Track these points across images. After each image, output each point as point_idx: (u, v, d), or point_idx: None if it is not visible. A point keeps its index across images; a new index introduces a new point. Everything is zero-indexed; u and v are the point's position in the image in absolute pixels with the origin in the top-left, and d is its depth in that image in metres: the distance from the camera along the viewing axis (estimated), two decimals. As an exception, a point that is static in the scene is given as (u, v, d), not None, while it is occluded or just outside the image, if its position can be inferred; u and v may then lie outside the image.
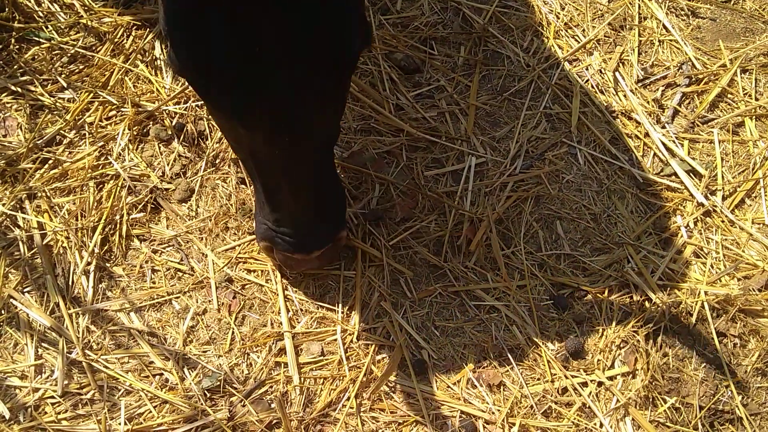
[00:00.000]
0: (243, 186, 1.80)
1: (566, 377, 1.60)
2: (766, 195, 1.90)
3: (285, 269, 1.65)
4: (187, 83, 1.89)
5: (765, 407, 1.61)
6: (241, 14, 1.07)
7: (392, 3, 2.20)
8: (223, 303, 1.64)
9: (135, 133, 1.82)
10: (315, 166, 1.42)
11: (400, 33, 2.13)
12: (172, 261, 1.68)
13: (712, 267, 1.77)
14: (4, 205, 1.68)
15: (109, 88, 1.88)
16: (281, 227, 1.50)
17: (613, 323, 1.67)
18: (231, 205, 1.76)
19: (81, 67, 1.92)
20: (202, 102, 1.38)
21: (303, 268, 1.60)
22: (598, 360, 1.63)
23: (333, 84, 1.27)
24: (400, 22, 2.17)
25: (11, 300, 1.58)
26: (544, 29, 2.18)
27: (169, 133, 1.83)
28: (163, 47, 1.99)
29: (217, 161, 1.82)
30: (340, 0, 1.16)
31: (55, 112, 1.82)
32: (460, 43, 2.14)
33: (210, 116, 1.82)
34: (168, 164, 1.79)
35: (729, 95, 2.08)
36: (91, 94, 1.86)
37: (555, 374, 1.61)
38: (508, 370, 1.61)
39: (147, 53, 1.97)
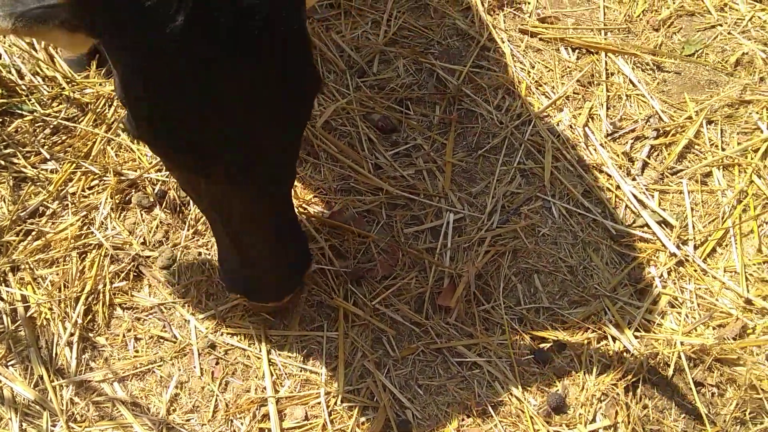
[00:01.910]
0: (225, 250, 1.83)
1: (549, 432, 1.62)
2: (736, 244, 1.95)
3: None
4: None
5: (746, 455, 1.63)
6: (203, 74, 1.10)
7: (369, 66, 2.27)
8: (206, 369, 1.65)
9: (117, 201, 1.85)
10: (280, 212, 1.45)
11: (376, 94, 2.20)
12: (154, 329, 1.69)
13: (687, 316, 1.81)
14: (-13, 277, 1.70)
15: (91, 158, 1.91)
16: (251, 276, 1.52)
17: (593, 376, 1.70)
18: (213, 271, 1.79)
19: (64, 138, 1.95)
20: (162, 162, 1.41)
21: (273, 311, 1.65)
22: (580, 414, 1.65)
23: (295, 132, 1.32)
24: (377, 84, 2.24)
25: (-6, 374, 1.59)
26: (516, 87, 2.25)
27: (151, 200, 1.87)
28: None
29: (200, 227, 1.85)
30: (299, 52, 1.21)
31: (38, 184, 1.85)
32: (435, 102, 2.21)
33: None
34: (150, 231, 1.82)
35: (696, 146, 2.15)
36: (74, 165, 1.89)
37: (538, 430, 1.63)
38: (491, 427, 1.63)
39: (124, 125, 2.01)
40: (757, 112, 2.22)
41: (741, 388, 1.68)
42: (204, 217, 1.88)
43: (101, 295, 1.69)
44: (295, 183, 1.98)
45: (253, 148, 1.23)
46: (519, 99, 2.23)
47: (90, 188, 1.87)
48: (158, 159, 1.93)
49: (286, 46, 1.17)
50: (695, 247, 1.94)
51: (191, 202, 1.89)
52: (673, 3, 2.50)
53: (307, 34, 1.26)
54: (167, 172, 1.92)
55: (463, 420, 1.63)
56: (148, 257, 1.78)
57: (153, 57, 1.07)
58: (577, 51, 2.38)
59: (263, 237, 1.44)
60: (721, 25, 2.45)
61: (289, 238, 1.52)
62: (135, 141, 1.96)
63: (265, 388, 1.63)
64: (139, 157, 1.94)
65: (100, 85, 2.07)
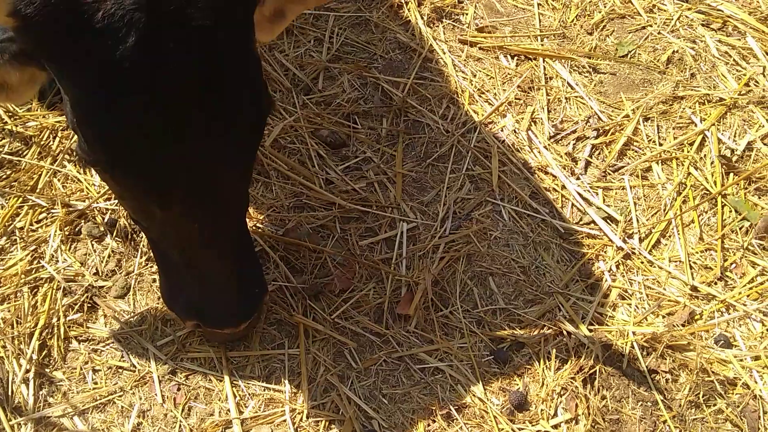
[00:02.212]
0: (180, 275, 1.82)
1: (513, 430, 1.65)
2: (679, 234, 2.03)
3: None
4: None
5: (702, 437, 1.69)
6: (159, 98, 1.12)
7: (314, 83, 2.30)
8: (167, 396, 1.64)
9: (67, 233, 1.83)
10: (236, 236, 1.46)
11: (323, 111, 2.22)
12: (112, 359, 1.67)
13: (637, 307, 1.87)
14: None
15: (38, 191, 1.88)
16: (206, 302, 1.50)
17: (552, 371, 1.74)
18: (170, 295, 1.78)
19: (8, 172, 1.92)
20: (116, 191, 1.40)
21: (230, 340, 1.64)
22: (542, 410, 1.69)
23: (249, 154, 1.35)
24: (323, 100, 2.26)
25: (-53, 418, 1.54)
26: (459, 96, 2.30)
27: (102, 229, 1.85)
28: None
29: (151, 254, 1.84)
30: (251, 76, 1.24)
31: (-17, 220, 1.82)
32: (381, 115, 2.24)
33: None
34: (102, 261, 1.80)
35: (635, 143, 2.23)
36: (20, 199, 1.86)
37: (502, 429, 1.66)
38: (457, 430, 1.65)
39: (74, 153, 2.00)
40: (689, 107, 2.31)
41: (693, 373, 1.75)
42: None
43: (55, 329, 1.67)
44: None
45: (207, 171, 1.24)
46: (463, 107, 2.28)
47: (38, 222, 1.84)
48: (107, 188, 1.92)
49: (238, 70, 1.20)
50: (640, 240, 2.01)
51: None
52: (605, 7, 2.60)
53: (258, 58, 1.28)
54: (116, 201, 1.90)
55: (428, 425, 1.65)
56: (102, 287, 1.76)
57: (104, 79, 1.08)
58: (515, 58, 2.45)
59: (219, 262, 1.43)
60: (651, 26, 2.55)
61: (244, 263, 1.51)
62: (84, 170, 1.94)
63: (229, 410, 1.62)
64: (86, 187, 1.92)
65: (44, 117, 2.05)
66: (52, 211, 1.86)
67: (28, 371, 1.61)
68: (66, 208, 1.85)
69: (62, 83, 1.14)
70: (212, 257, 1.42)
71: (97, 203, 1.88)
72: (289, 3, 1.42)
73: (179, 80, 1.11)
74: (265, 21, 1.41)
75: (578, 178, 2.14)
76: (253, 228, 1.93)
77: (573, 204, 2.08)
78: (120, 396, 1.62)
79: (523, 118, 2.26)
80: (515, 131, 2.23)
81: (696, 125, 2.27)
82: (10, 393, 1.58)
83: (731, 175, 2.15)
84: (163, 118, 1.13)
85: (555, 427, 1.66)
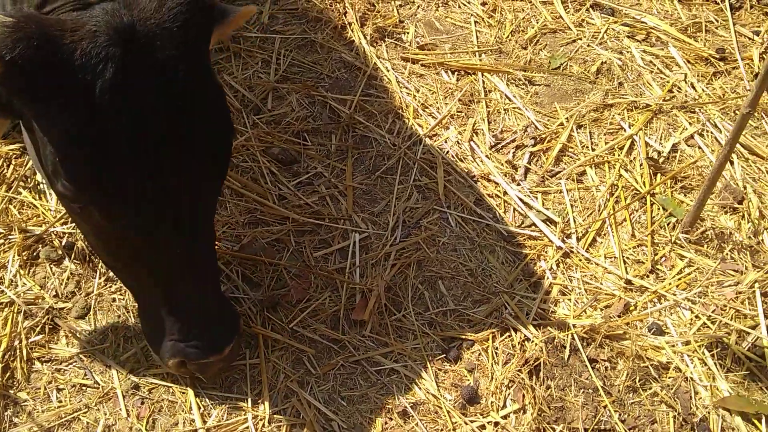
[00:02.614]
0: (140, 293, 1.88)
1: (466, 423, 1.75)
2: (613, 232, 2.17)
3: (202, 378, 1.70)
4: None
5: (640, 420, 1.82)
6: (140, 126, 1.20)
7: (263, 103, 2.38)
8: (131, 410, 1.68)
9: (25, 258, 1.87)
10: (210, 259, 1.52)
11: (274, 129, 2.31)
12: (76, 378, 1.71)
13: (577, 302, 2.00)
14: None
15: (-7, 218, 1.92)
16: (188, 335, 1.52)
17: (500, 366, 1.85)
18: (129, 315, 1.83)
19: (-38, 200, 1.95)
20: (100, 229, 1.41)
21: (218, 368, 1.62)
22: (492, 402, 1.79)
23: (219, 180, 1.42)
24: (273, 119, 2.35)
25: None
26: (404, 111, 2.42)
27: (60, 253, 1.89)
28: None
29: (111, 274, 1.89)
30: (216, 102, 1.34)
31: (-60, 249, 1.84)
32: (330, 132, 2.34)
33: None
34: (62, 284, 1.84)
35: (570, 149, 2.38)
36: (-24, 226, 1.89)
37: (456, 422, 1.75)
38: (413, 426, 1.74)
39: (29, 179, 2.04)
40: (619, 114, 2.47)
41: (629, 360, 1.87)
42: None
43: (18, 351, 1.70)
44: (203, 221, 2.06)
45: (187, 197, 1.32)
46: (408, 121, 2.39)
47: (-5, 248, 1.87)
48: (63, 212, 1.96)
49: (205, 98, 1.29)
50: (578, 239, 2.14)
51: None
52: (537, 23, 2.76)
53: (220, 85, 1.38)
54: (73, 224, 1.95)
55: (386, 423, 1.74)
56: (62, 309, 1.81)
57: (87, 114, 1.16)
58: (456, 73, 2.58)
59: (199, 289, 1.49)
60: (580, 39, 2.72)
61: (217, 289, 1.58)
62: (39, 195, 1.98)
63: (193, 420, 1.68)
64: (43, 213, 1.96)
65: (-5, 145, 2.08)
66: (9, 237, 1.89)
67: (-8, 394, 1.65)
68: (23, 234, 1.89)
69: (41, 124, 1.20)
70: (193, 283, 1.46)
71: (54, 227, 1.93)
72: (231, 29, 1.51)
73: (157, 108, 1.21)
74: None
75: (519, 184, 2.26)
76: (210, 245, 2.00)
77: (515, 208, 2.20)
78: (85, 413, 1.66)
79: (465, 130, 2.38)
80: (458, 142, 2.35)
81: (625, 130, 2.42)
82: (-26, 416, 1.61)
83: (658, 175, 2.31)
84: (144, 146, 1.21)
85: (504, 417, 1.76)
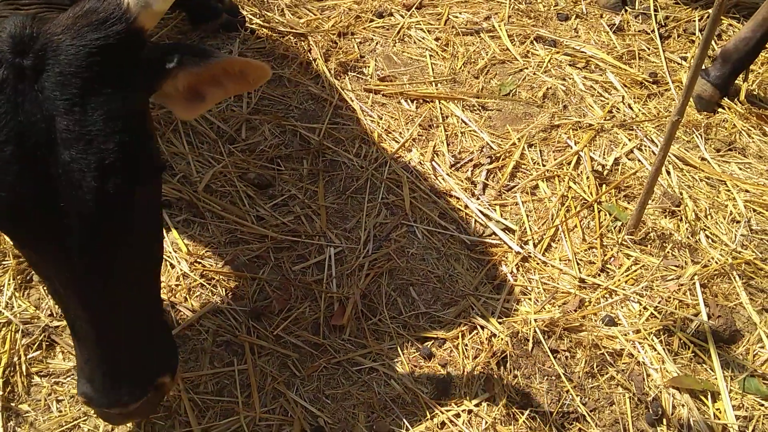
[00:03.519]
0: (131, 309, 1.99)
1: (442, 413, 1.90)
2: (565, 238, 2.37)
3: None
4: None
5: (600, 402, 1.99)
6: (37, 159, 1.15)
7: (237, 133, 2.54)
8: (130, 416, 1.78)
9: (19, 281, 1.97)
10: (133, 308, 1.37)
11: (249, 156, 2.47)
12: (73, 389, 1.81)
13: (537, 300, 2.18)
14: None
15: (-13, 245, 2.02)
16: (93, 378, 1.36)
17: (471, 359, 2.01)
18: (123, 328, 1.94)
19: (-45, 230, 2.05)
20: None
21: (124, 419, 1.47)
22: (465, 392, 1.94)
23: (136, 212, 1.30)
24: (247, 147, 2.51)
25: None
26: (369, 136, 2.61)
27: (53, 275, 1.99)
28: None
29: (103, 292, 2.00)
30: (133, 145, 1.23)
31: (-63, 275, 1.93)
32: (302, 157, 2.51)
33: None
34: (55, 304, 1.95)
35: (522, 166, 2.59)
36: (-30, 253, 1.99)
37: (433, 412, 1.90)
38: (394, 418, 1.88)
39: None
40: (565, 133, 2.71)
41: (587, 348, 2.05)
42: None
43: (17, 366, 1.79)
44: (186, 242, 2.19)
45: (83, 233, 1.21)
46: (374, 145, 2.58)
47: (-10, 273, 1.97)
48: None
49: (113, 129, 1.20)
50: (534, 245, 2.34)
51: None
52: (486, 55, 3.00)
53: (144, 125, 1.29)
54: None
55: (369, 416, 1.87)
56: (57, 327, 1.91)
57: None
58: (415, 101, 2.79)
59: (108, 337, 1.34)
60: (527, 68, 2.97)
61: (140, 336, 1.41)
62: None
63: (188, 422, 1.79)
64: (34, 239, 2.07)
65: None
66: (4, 262, 1.99)
67: (-6, 406, 1.73)
68: (16, 259, 1.99)
69: None
70: (101, 331, 1.33)
71: (46, 251, 2.03)
72: (207, 86, 1.40)
73: (50, 132, 1.15)
74: (180, 97, 1.40)
75: (478, 198, 2.46)
76: (195, 264, 2.13)
77: (476, 220, 2.39)
78: (85, 420, 1.76)
79: (426, 151, 2.58)
80: (421, 163, 2.55)
81: (571, 147, 2.65)
82: (-21, 427, 1.69)
83: (603, 185, 2.53)
84: (34, 172, 1.15)
85: (477, 405, 1.92)
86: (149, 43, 1.30)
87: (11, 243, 2.04)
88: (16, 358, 1.80)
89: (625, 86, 2.95)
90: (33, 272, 1.99)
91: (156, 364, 1.45)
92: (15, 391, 1.78)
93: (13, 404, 1.75)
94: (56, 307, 1.94)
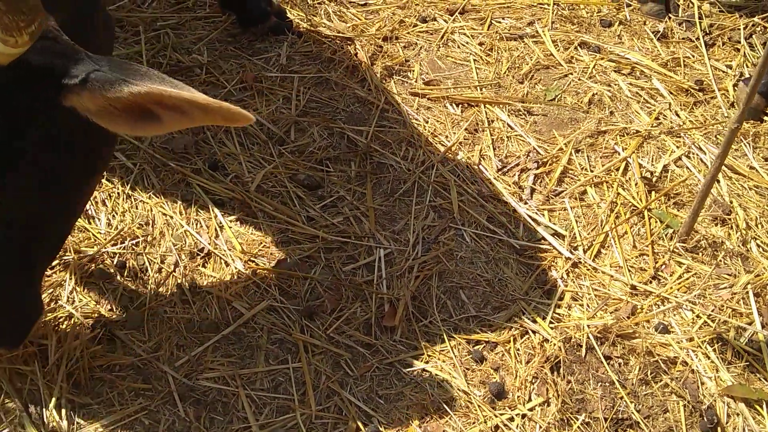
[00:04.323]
0: (187, 306, 2.02)
1: (496, 416, 1.90)
2: (616, 244, 2.36)
3: None
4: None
5: (653, 409, 1.98)
6: None
7: (286, 135, 2.57)
8: (189, 411, 1.81)
9: (80, 276, 2.00)
10: None
11: (298, 158, 2.49)
12: (134, 383, 1.84)
13: (588, 306, 2.18)
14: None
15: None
16: None
17: (523, 364, 2.01)
18: (180, 326, 1.97)
19: (17, 225, 2.09)
20: None
21: None
22: (518, 396, 1.94)
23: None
24: (297, 149, 2.53)
25: (-11, 444, 1.67)
26: (416, 140, 2.62)
27: (112, 271, 2.03)
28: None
29: (160, 289, 2.03)
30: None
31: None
32: (349, 159, 2.53)
33: None
34: (115, 298, 1.98)
35: (570, 171, 2.59)
36: (32, 248, 2.03)
37: (486, 415, 1.90)
38: (447, 420, 1.88)
39: (77, 205, 2.19)
40: (612, 139, 2.70)
41: (640, 355, 2.04)
42: (162, 281, 2.06)
43: (80, 360, 1.82)
44: (239, 240, 2.21)
45: None
46: (420, 149, 2.59)
47: (51, 268, 2.01)
48: (113, 234, 2.11)
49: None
50: (584, 251, 2.33)
51: (150, 268, 2.08)
52: (531, 60, 3.01)
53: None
54: (123, 245, 2.10)
55: (422, 418, 1.88)
56: (117, 321, 1.94)
57: None
58: (460, 105, 2.80)
59: None
60: (571, 74, 2.97)
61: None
62: (89, 220, 2.13)
63: (246, 418, 1.81)
64: (93, 235, 2.11)
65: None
66: (64, 257, 2.03)
67: (59, 399, 1.76)
68: (77, 254, 2.03)
69: None
70: None
71: (106, 248, 2.07)
72: (165, 110, 1.26)
73: None
74: (117, 112, 1.27)
75: (526, 203, 2.46)
76: (249, 262, 2.15)
77: (524, 224, 2.39)
78: (145, 414, 1.78)
79: (473, 155, 2.59)
80: (468, 166, 2.56)
81: (619, 154, 2.65)
82: (45, 419, 1.72)
83: (653, 192, 2.52)
84: None
85: (530, 409, 1.91)
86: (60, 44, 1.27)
87: (72, 240, 2.08)
88: (78, 352, 1.83)
89: (671, 93, 2.93)
90: (93, 267, 2.03)
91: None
92: (78, 384, 1.81)
93: (75, 397, 1.78)
94: (116, 302, 1.97)
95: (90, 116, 1.27)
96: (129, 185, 2.31)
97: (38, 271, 1.65)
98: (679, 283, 2.24)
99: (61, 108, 1.28)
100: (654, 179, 2.57)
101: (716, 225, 2.43)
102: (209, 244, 2.19)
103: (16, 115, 1.28)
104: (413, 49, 3.02)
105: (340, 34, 2.97)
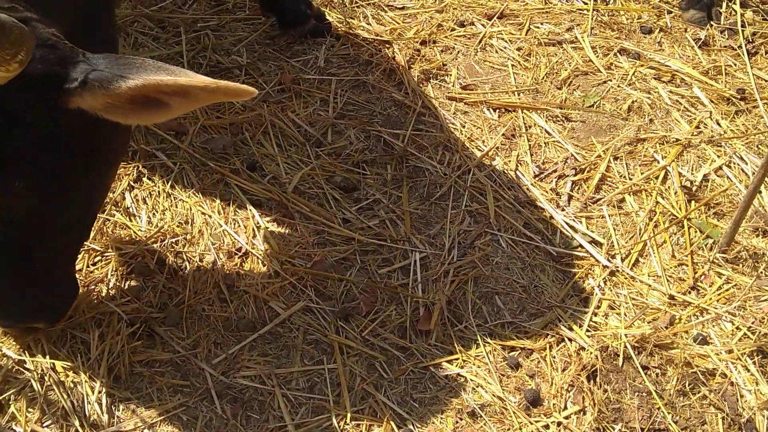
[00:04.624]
0: (225, 304, 2.04)
1: (531, 423, 1.89)
2: (654, 253, 2.34)
3: None
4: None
5: (691, 421, 1.95)
6: None
7: (323, 137, 2.59)
8: (226, 408, 1.83)
9: (121, 273, 2.04)
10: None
11: (335, 160, 2.50)
12: (173, 379, 1.86)
13: (626, 315, 2.15)
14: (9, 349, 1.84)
15: (90, 238, 2.09)
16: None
17: (559, 372, 1.99)
18: (218, 323, 1.99)
19: (61, 221, 2.14)
20: None
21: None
22: (554, 404, 1.93)
23: None
24: (333, 151, 2.54)
25: (33, 435, 1.71)
26: (452, 144, 2.62)
27: (152, 268, 2.06)
28: (132, 197, 2.26)
29: (198, 286, 2.06)
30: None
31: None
32: (386, 162, 2.54)
33: None
34: (156, 296, 2.01)
35: (608, 178, 2.56)
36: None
37: (521, 422, 1.89)
38: (482, 426, 1.88)
39: (119, 203, 2.23)
40: (651, 147, 2.67)
41: (678, 366, 2.02)
42: (200, 279, 2.09)
43: (120, 355, 1.85)
44: (277, 241, 2.23)
45: None
46: (457, 153, 2.59)
47: (94, 264, 2.05)
48: (153, 231, 2.15)
49: None
50: (622, 260, 2.31)
51: (189, 266, 2.10)
52: (570, 66, 2.99)
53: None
54: (163, 243, 2.13)
55: (457, 423, 1.88)
56: (157, 318, 1.97)
57: None
58: (497, 110, 2.79)
59: None
60: (611, 81, 2.94)
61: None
62: (130, 218, 2.17)
63: (282, 417, 1.82)
64: (134, 233, 2.15)
65: (87, 173, 2.28)
66: (106, 254, 2.07)
67: (100, 392, 1.79)
68: (118, 251, 2.07)
69: None
70: None
71: (146, 245, 2.10)
72: (170, 96, 1.29)
73: None
74: (123, 106, 1.31)
75: (563, 210, 2.45)
76: (285, 263, 2.17)
77: (561, 231, 2.38)
78: (184, 410, 1.81)
79: (510, 161, 2.58)
80: (504, 172, 2.55)
81: (658, 162, 2.62)
82: (86, 412, 1.76)
83: (692, 202, 2.49)
84: None
85: (566, 417, 1.90)
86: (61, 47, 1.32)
87: (114, 236, 2.12)
88: (119, 347, 1.86)
89: (712, 102, 2.89)
90: (134, 264, 2.06)
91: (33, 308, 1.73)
92: (119, 378, 1.84)
93: (116, 391, 1.82)
94: (155, 299, 2.00)
95: (100, 114, 1.31)
96: (169, 184, 2.34)
97: (71, 254, 1.78)
98: (719, 294, 2.21)
99: (67, 111, 1.32)
100: (694, 188, 2.54)
101: (757, 236, 2.39)
102: (247, 243, 2.21)
103: (22, 122, 1.32)
104: (451, 53, 3.02)
105: (378, 38, 2.98)
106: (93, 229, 2.05)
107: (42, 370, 1.81)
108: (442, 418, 1.89)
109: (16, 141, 1.33)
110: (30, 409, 1.75)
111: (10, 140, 1.32)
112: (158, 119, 1.35)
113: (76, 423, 1.73)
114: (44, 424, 1.74)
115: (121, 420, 1.77)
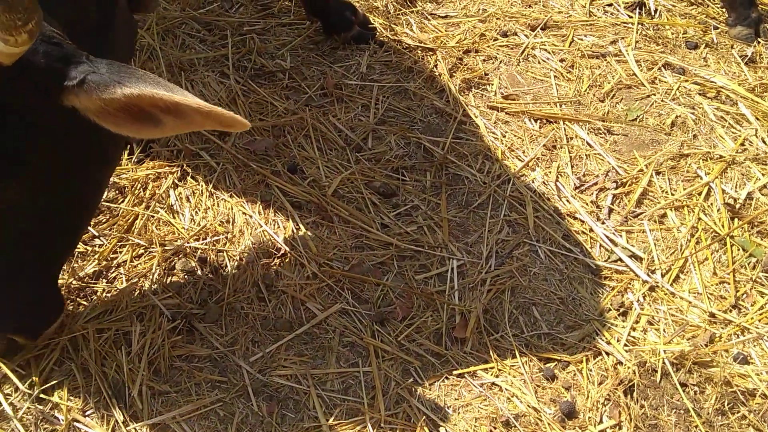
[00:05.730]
0: (263, 303, 2.07)
1: (565, 436, 1.87)
2: (695, 270, 2.30)
3: None
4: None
5: (730, 442, 1.92)
6: None
7: (364, 142, 2.61)
8: (262, 406, 1.85)
9: (164, 268, 2.08)
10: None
11: (375, 165, 2.52)
12: (211, 375, 1.89)
13: (665, 331, 2.12)
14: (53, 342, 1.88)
15: (135, 232, 2.14)
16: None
17: (595, 385, 1.97)
18: (255, 321, 2.01)
19: (107, 217, 2.18)
20: None
21: None
22: (589, 417, 1.91)
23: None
24: (373, 156, 2.56)
25: (75, 424, 1.74)
26: (492, 153, 2.62)
27: (193, 265, 2.10)
28: (177, 195, 2.30)
29: (238, 285, 2.08)
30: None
31: (89, 256, 2.06)
32: (425, 169, 2.54)
33: None
34: (196, 292, 2.04)
35: (650, 193, 2.54)
36: (117, 239, 2.11)
37: (555, 434, 1.87)
38: (516, 436, 1.87)
39: (164, 200, 2.27)
40: (695, 163, 2.64)
41: (718, 385, 1.98)
42: (240, 277, 2.12)
43: (161, 349, 1.89)
44: (315, 243, 2.25)
45: None
46: (497, 162, 2.58)
47: (137, 258, 2.09)
48: (196, 229, 2.18)
49: None
50: (662, 275, 2.28)
51: (229, 264, 2.14)
52: (613, 79, 2.97)
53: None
54: (205, 240, 2.16)
55: (491, 431, 1.87)
56: (197, 314, 2.00)
57: None
58: (539, 121, 2.78)
59: None
60: (654, 95, 2.91)
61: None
62: (173, 214, 2.21)
63: (316, 417, 1.84)
64: (177, 229, 2.19)
65: (133, 171, 2.33)
66: (150, 249, 2.11)
67: (141, 385, 1.83)
68: (162, 247, 2.11)
69: None
70: None
71: (189, 243, 2.14)
72: (164, 113, 1.29)
73: None
74: (116, 113, 1.32)
75: (603, 223, 2.43)
76: (323, 266, 2.19)
77: (600, 244, 2.36)
78: (221, 406, 1.83)
79: (550, 172, 2.57)
80: (544, 183, 2.54)
81: (702, 178, 2.58)
82: (126, 403, 1.79)
83: (735, 219, 2.45)
84: None
85: (602, 431, 1.88)
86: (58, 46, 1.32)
87: (158, 233, 2.16)
88: (160, 341, 1.90)
89: (758, 119, 2.84)
90: (176, 261, 2.10)
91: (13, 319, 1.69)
92: (159, 371, 1.87)
93: (156, 384, 1.85)
94: (196, 295, 2.04)
95: (92, 117, 1.32)
96: (212, 184, 2.38)
97: (54, 267, 1.73)
98: (761, 314, 2.17)
99: (64, 109, 1.33)
100: (737, 206, 2.50)
101: (803, 257, 2.34)
102: (286, 244, 2.24)
103: (21, 115, 1.33)
104: (493, 63, 3.02)
105: (421, 45, 3.00)
106: (140, 225, 2.09)
107: (84, 360, 1.85)
108: (476, 426, 1.88)
109: (7, 130, 1.32)
110: (72, 398, 1.79)
111: (2, 130, 1.32)
112: (150, 135, 1.34)
113: (116, 414, 1.76)
114: (86, 413, 1.77)
115: (160, 413, 1.80)
